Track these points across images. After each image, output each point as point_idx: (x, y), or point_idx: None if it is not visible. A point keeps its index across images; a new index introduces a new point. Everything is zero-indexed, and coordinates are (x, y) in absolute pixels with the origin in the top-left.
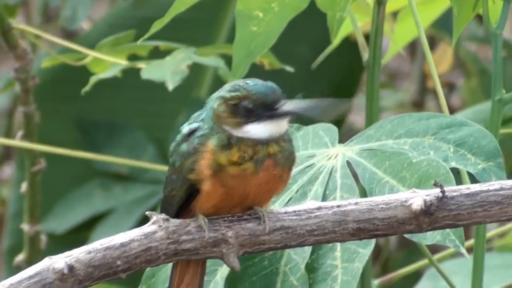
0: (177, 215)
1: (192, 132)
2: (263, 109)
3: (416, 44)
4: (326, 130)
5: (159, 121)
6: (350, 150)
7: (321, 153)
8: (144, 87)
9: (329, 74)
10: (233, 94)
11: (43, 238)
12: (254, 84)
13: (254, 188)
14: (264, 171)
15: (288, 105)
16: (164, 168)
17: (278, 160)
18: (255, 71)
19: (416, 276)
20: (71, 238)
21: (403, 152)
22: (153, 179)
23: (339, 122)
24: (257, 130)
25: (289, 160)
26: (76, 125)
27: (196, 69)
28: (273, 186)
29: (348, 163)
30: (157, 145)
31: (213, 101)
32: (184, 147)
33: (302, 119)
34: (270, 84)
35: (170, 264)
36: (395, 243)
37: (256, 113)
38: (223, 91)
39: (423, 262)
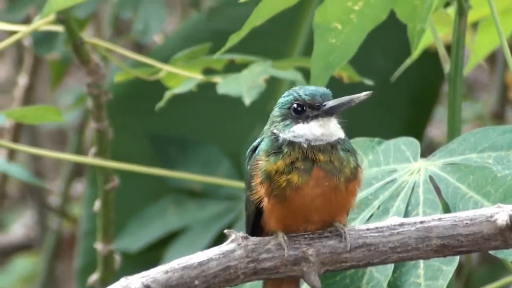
0: (253, 234)
1: (255, 149)
2: (311, 110)
3: (496, 54)
4: (407, 144)
5: (234, 135)
6: (432, 165)
7: (403, 168)
8: (218, 101)
9: (408, 86)
10: (286, 98)
11: (117, 257)
12: (305, 88)
13: (311, 201)
14: (314, 181)
15: (332, 101)
16: (239, 183)
17: (329, 169)
18: (334, 84)
19: None
20: (144, 257)
21: (487, 166)
22: (228, 195)
23: (418, 135)
24: (302, 130)
25: (347, 169)
26: (149, 141)
27: (271, 82)
28: (333, 198)
29: (431, 178)
30: (232, 160)
31: (273, 111)
32: (248, 165)
33: (383, 135)
34: (322, 88)
35: (257, 282)
36: (477, 258)
37: (305, 114)
38: (280, 98)
39: (508, 279)
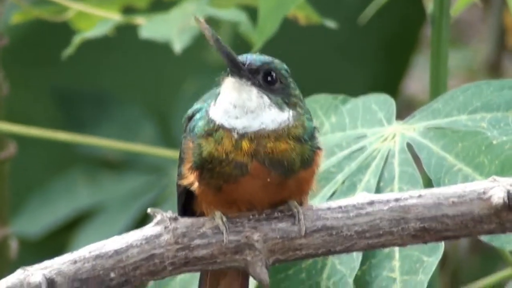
0: (185, 214)
1: (192, 117)
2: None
3: None
4: (380, 103)
5: (160, 91)
6: (411, 129)
7: (374, 133)
8: (141, 48)
9: (380, 30)
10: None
11: (14, 244)
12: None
13: (252, 194)
14: (252, 176)
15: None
16: (166, 151)
17: (267, 163)
18: (288, 28)
19: None
20: (48, 243)
21: (480, 131)
22: (152, 165)
23: (393, 91)
24: (219, 99)
25: (296, 162)
26: (53, 97)
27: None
28: (280, 191)
29: (409, 145)
30: (157, 122)
31: None
32: (182, 138)
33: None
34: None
35: (189, 276)
36: (467, 246)
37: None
38: None
39: (505, 272)
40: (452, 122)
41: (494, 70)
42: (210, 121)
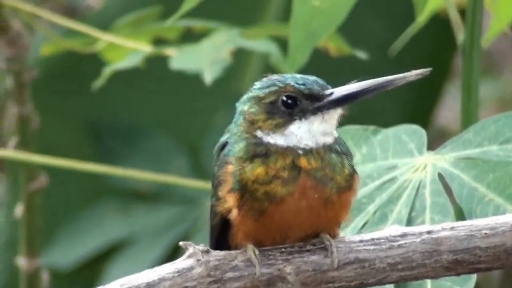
0: (218, 248)
1: (223, 147)
2: (308, 101)
3: None
4: (410, 133)
5: (191, 122)
6: (442, 160)
7: (405, 163)
8: (172, 80)
9: (412, 61)
10: (267, 90)
11: (45, 276)
12: (292, 76)
13: (295, 215)
14: (300, 193)
15: (341, 90)
16: (198, 183)
17: (319, 178)
18: (318, 59)
19: None
20: (80, 275)
21: None
22: (183, 197)
23: (424, 122)
24: (302, 130)
25: (340, 176)
26: (84, 129)
27: (238, 55)
28: (322, 212)
29: (440, 176)
30: (189, 153)
31: (242, 104)
32: (215, 167)
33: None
34: (310, 76)
35: None
36: (499, 276)
37: (300, 107)
38: (254, 90)
39: None
40: (483, 153)
41: None
42: (265, 145)
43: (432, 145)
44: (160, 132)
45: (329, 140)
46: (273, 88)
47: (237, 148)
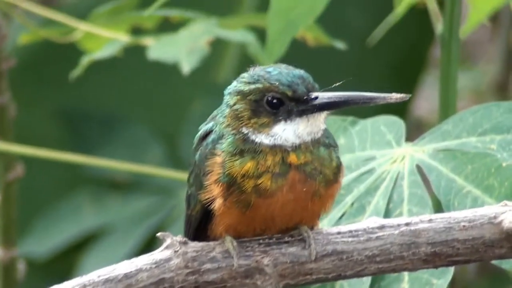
0: (195, 238)
1: (206, 136)
2: (295, 104)
3: (500, 12)
4: (389, 124)
5: (168, 112)
6: (420, 151)
7: (383, 154)
8: (149, 69)
9: (389, 51)
10: (252, 87)
11: (21, 266)
12: (278, 72)
13: (280, 209)
14: (289, 187)
15: (325, 96)
16: (174, 173)
17: (308, 172)
18: (297, 49)
19: None
20: (55, 264)
21: (490, 153)
22: (160, 187)
23: (401, 113)
24: (286, 131)
25: (328, 170)
26: (61, 118)
27: (215, 45)
28: (309, 205)
29: (418, 167)
30: (165, 143)
31: (229, 96)
32: (197, 156)
33: (355, 111)
34: (298, 71)
35: None
36: (475, 269)
37: (284, 108)
38: (240, 84)
39: None
40: (461, 144)
41: (502, 90)
42: (247, 140)
43: (409, 136)
44: (136, 122)
45: (318, 135)
46: (258, 86)
47: (225, 142)
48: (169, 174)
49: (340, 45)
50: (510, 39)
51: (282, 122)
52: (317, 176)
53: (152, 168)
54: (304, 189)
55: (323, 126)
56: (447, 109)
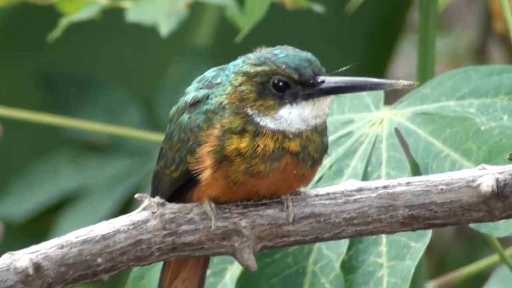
0: (171, 200)
1: (197, 102)
2: (299, 87)
3: None
4: None
5: (145, 75)
6: (399, 115)
7: (362, 118)
8: (127, 32)
9: (367, 16)
10: (259, 69)
11: None
12: (285, 55)
13: (266, 188)
14: (280, 170)
15: (332, 80)
16: (152, 135)
17: (301, 158)
18: (275, 13)
19: (481, 277)
20: (32, 226)
21: (469, 117)
22: (137, 149)
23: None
24: (293, 115)
25: (317, 153)
26: (38, 81)
27: (192, 8)
28: (295, 183)
29: (397, 131)
30: (143, 106)
31: (235, 75)
32: (185, 119)
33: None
34: (305, 54)
35: None
36: (452, 233)
37: (290, 92)
38: (246, 65)
39: (491, 259)
40: (440, 108)
41: (479, 55)
42: (250, 121)
43: (387, 100)
44: (114, 85)
45: (319, 121)
46: (265, 68)
47: (227, 118)
48: (146, 136)
49: (318, 8)
50: (488, 4)
51: (288, 106)
52: (308, 161)
53: (129, 130)
54: (294, 172)
55: (328, 111)
56: (425, 73)
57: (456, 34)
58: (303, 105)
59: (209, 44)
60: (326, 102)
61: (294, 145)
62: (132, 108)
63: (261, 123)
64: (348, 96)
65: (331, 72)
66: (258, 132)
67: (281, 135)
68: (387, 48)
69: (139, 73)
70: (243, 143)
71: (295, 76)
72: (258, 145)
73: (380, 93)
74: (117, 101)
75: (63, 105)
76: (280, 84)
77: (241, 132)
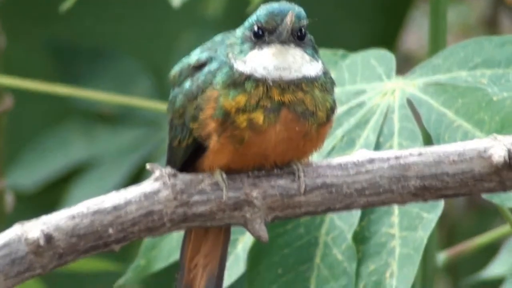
0: (182, 171)
1: (201, 65)
2: (268, 34)
3: None
4: (379, 58)
5: (155, 45)
6: (411, 85)
7: (374, 88)
8: (137, 3)
9: None
10: (250, 20)
11: (9, 197)
12: (270, 6)
13: (273, 147)
14: (282, 125)
15: (282, 28)
16: (162, 105)
17: (300, 112)
18: None
19: (493, 247)
20: (44, 196)
21: (481, 87)
22: (147, 119)
23: (390, 46)
24: (254, 58)
25: (321, 112)
26: (49, 51)
27: None
28: (301, 145)
29: (409, 101)
30: (153, 76)
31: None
32: (188, 83)
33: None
34: (287, 5)
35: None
36: (463, 204)
37: (263, 39)
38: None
39: (503, 229)
40: (452, 78)
41: (490, 26)
42: (237, 72)
43: (398, 70)
44: (125, 55)
45: (292, 76)
46: (253, 18)
47: (220, 74)
48: (157, 106)
49: None
50: None
51: (256, 50)
52: (310, 117)
53: (140, 100)
54: (297, 128)
55: (306, 66)
56: (437, 43)
57: (467, 4)
58: (264, 51)
59: (220, 15)
60: (287, 51)
61: (276, 92)
62: (143, 79)
63: (235, 65)
64: (359, 66)
65: (344, 44)
66: (241, 80)
67: (262, 83)
68: (399, 18)
69: (150, 43)
70: (237, 96)
71: (264, 24)
72: (250, 94)
73: (392, 63)
74: (128, 71)
75: (74, 75)
76: (258, 31)
77: (234, 85)
